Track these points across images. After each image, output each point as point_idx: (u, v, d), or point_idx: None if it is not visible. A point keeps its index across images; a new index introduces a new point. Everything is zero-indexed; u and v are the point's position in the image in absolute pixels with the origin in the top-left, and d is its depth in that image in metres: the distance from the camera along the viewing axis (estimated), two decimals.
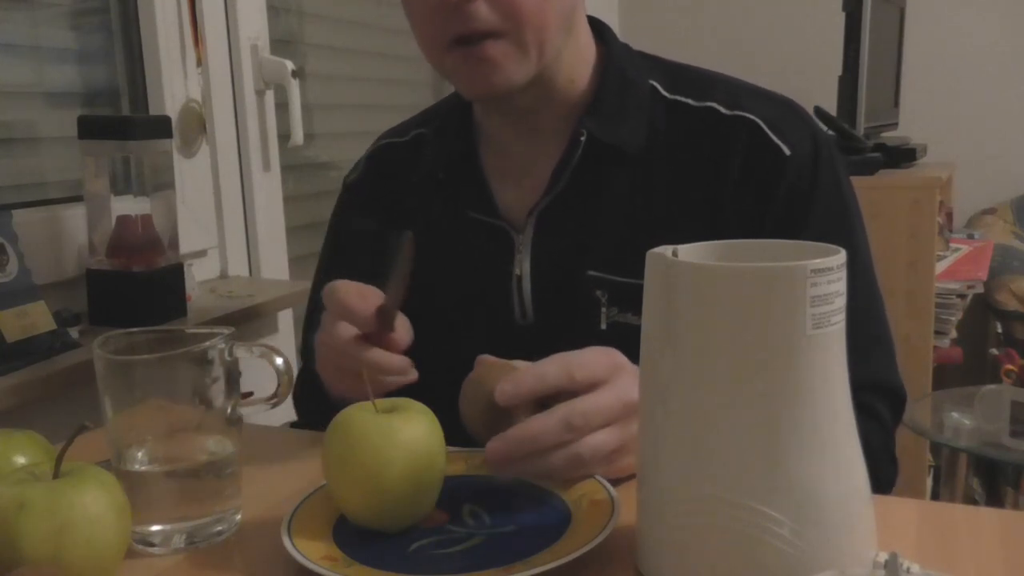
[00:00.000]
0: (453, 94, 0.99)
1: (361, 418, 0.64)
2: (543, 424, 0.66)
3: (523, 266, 0.91)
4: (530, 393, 0.67)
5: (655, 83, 0.92)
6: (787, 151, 0.87)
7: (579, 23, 0.90)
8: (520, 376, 0.67)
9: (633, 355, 0.77)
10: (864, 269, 0.90)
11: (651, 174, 0.89)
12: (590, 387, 0.68)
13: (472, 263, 0.94)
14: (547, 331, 0.90)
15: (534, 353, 0.87)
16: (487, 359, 0.73)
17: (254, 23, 1.61)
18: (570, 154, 0.89)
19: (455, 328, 0.94)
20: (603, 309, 0.89)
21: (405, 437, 0.63)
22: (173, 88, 1.44)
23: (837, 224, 0.89)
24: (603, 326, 0.88)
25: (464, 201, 0.94)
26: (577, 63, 0.91)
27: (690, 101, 0.90)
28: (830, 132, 2.03)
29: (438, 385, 0.94)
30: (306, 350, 1.08)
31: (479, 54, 0.82)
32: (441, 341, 0.93)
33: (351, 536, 0.63)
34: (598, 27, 0.95)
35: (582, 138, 0.88)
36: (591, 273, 0.88)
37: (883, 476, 0.70)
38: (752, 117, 0.88)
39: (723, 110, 0.89)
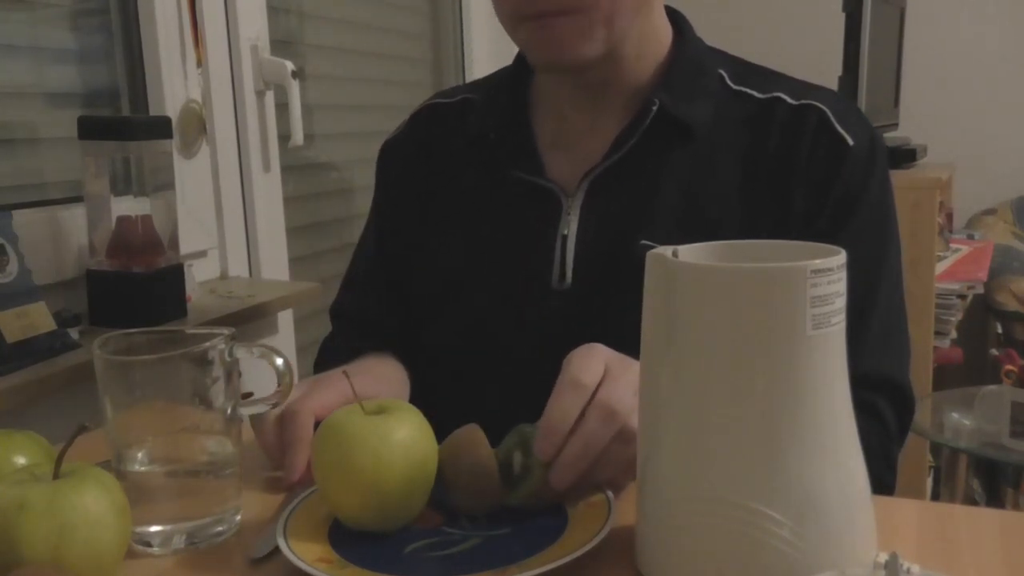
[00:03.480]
0: (505, 67, 1.00)
1: (354, 421, 0.64)
2: (586, 429, 0.64)
3: (571, 227, 0.91)
4: (565, 433, 0.64)
5: (723, 72, 0.93)
6: (850, 141, 0.88)
7: (654, 6, 0.92)
8: (547, 426, 0.65)
9: None
10: (892, 270, 0.91)
11: (715, 156, 0.90)
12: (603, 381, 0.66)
13: (514, 223, 0.94)
14: (584, 297, 0.90)
15: (567, 318, 0.89)
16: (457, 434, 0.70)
17: (254, 23, 1.61)
18: (637, 123, 0.89)
19: (490, 291, 0.94)
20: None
21: (401, 437, 0.63)
22: (173, 88, 1.44)
23: (879, 221, 0.90)
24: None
25: (511, 163, 0.95)
26: (648, 42, 0.92)
27: (755, 93, 0.92)
28: None
29: (474, 349, 0.95)
30: (337, 307, 1.09)
31: (548, 29, 0.84)
32: (476, 305, 0.94)
33: (346, 538, 0.63)
34: (675, 18, 0.97)
35: (654, 107, 0.88)
36: (644, 243, 0.87)
37: (878, 481, 0.69)
38: (820, 105, 0.89)
39: (790, 100, 0.90)
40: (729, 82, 0.93)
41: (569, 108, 0.94)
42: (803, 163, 0.88)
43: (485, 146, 0.96)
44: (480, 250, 0.95)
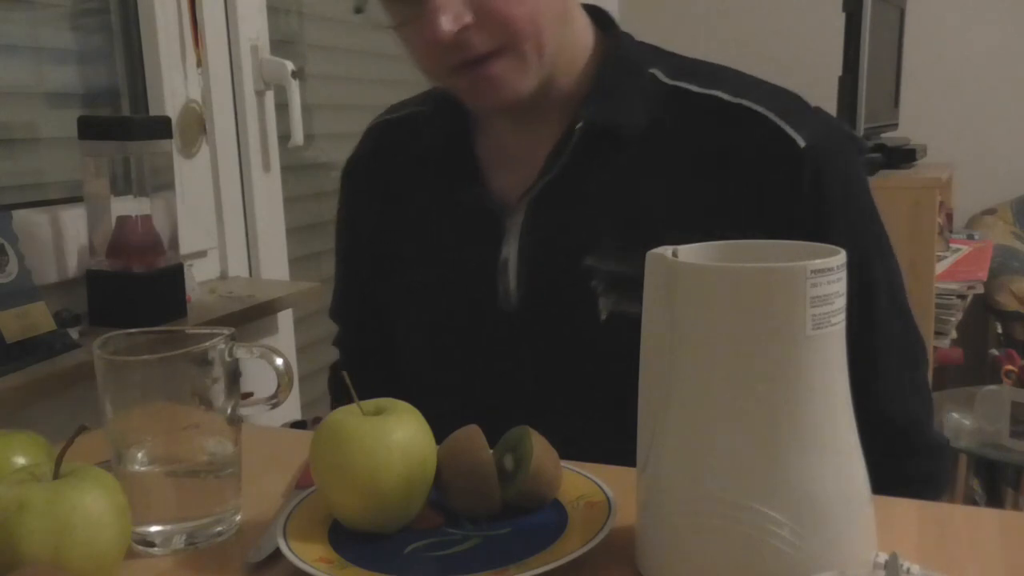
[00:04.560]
0: None
1: (351, 422, 0.64)
2: None
3: (511, 249, 0.89)
4: None
5: (656, 71, 0.89)
6: (801, 142, 0.83)
7: (573, 10, 0.88)
8: None
9: (633, 348, 0.76)
10: (890, 280, 0.86)
11: (652, 161, 0.86)
12: None
13: (458, 244, 0.93)
14: (532, 319, 0.88)
15: (516, 340, 0.88)
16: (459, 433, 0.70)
17: (254, 23, 1.61)
18: (566, 140, 0.87)
19: (439, 312, 0.93)
20: (600, 299, 0.85)
21: (398, 438, 0.63)
22: (173, 88, 1.44)
23: (866, 225, 0.87)
24: (603, 316, 0.85)
25: (455, 183, 0.93)
26: (574, 51, 0.89)
27: (692, 87, 0.87)
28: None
29: (423, 372, 0.95)
30: (337, 340, 1.11)
31: (484, 74, 0.82)
32: (426, 326, 0.93)
33: (347, 538, 0.63)
34: (599, 15, 0.93)
35: (578, 126, 0.86)
36: (587, 263, 0.85)
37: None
38: (758, 108, 0.84)
39: (727, 97, 0.85)
40: (664, 79, 0.88)
41: (506, 126, 0.93)
42: (748, 171, 0.83)
43: (431, 163, 0.95)
44: (431, 271, 0.94)
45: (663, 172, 0.86)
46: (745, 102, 0.85)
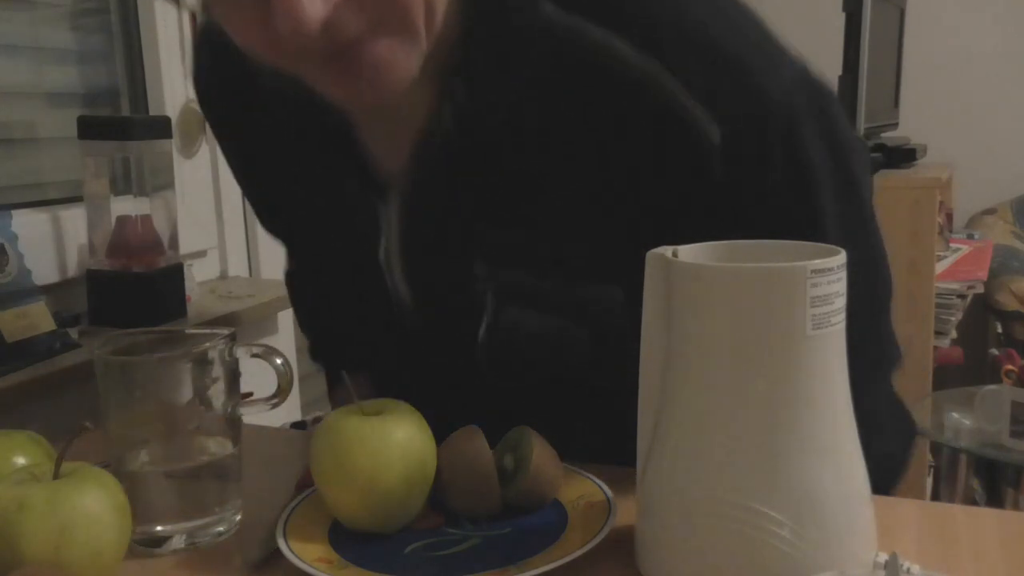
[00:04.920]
0: None
1: (352, 423, 0.64)
2: None
3: (391, 244, 0.74)
4: None
5: (548, 2, 0.64)
6: (716, 137, 0.61)
7: None
8: None
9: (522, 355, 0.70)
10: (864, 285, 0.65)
11: (550, 141, 0.66)
12: None
13: (339, 231, 0.78)
14: (428, 325, 0.77)
15: (424, 343, 0.77)
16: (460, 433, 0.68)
17: None
18: (435, 125, 0.67)
19: (343, 299, 0.84)
20: (485, 315, 0.71)
21: (398, 438, 0.63)
22: (173, 88, 1.44)
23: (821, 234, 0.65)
24: (481, 335, 0.72)
25: (331, 145, 0.74)
26: None
27: (590, 31, 0.63)
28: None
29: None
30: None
31: (363, 60, 0.58)
32: (335, 307, 0.85)
33: (346, 538, 0.63)
34: None
35: (445, 121, 0.67)
36: (478, 268, 0.71)
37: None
38: (665, 81, 0.61)
39: (630, 49, 0.61)
40: (557, 16, 0.63)
41: None
42: (650, 162, 0.63)
43: (294, 103, 0.72)
44: (315, 249, 0.84)
45: (568, 155, 0.66)
46: (651, 66, 0.61)
